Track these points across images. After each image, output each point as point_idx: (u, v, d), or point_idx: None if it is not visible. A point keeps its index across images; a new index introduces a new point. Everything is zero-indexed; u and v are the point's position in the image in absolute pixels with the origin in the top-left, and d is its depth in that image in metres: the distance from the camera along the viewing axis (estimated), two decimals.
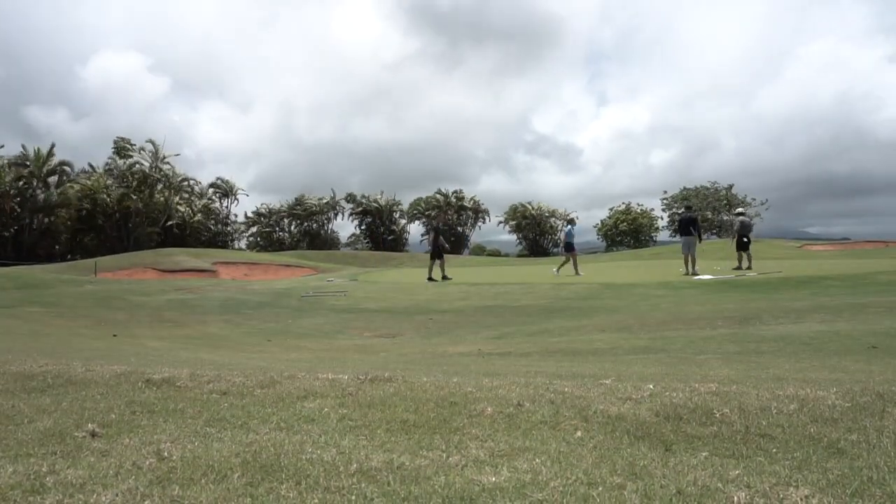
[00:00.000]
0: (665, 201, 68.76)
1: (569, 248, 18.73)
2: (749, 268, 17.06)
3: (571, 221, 23.77)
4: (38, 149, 56.79)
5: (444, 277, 18.55)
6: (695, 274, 16.02)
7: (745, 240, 17.61)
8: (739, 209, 19.16)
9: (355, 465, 2.12)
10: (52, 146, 57.38)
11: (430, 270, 19.08)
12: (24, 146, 57.13)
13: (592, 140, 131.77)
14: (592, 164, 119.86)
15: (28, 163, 55.52)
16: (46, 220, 56.29)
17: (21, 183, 54.12)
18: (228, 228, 72.29)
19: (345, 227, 79.27)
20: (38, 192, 55.76)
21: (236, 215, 73.79)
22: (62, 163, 57.77)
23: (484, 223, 75.93)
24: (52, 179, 57.27)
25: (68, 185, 56.98)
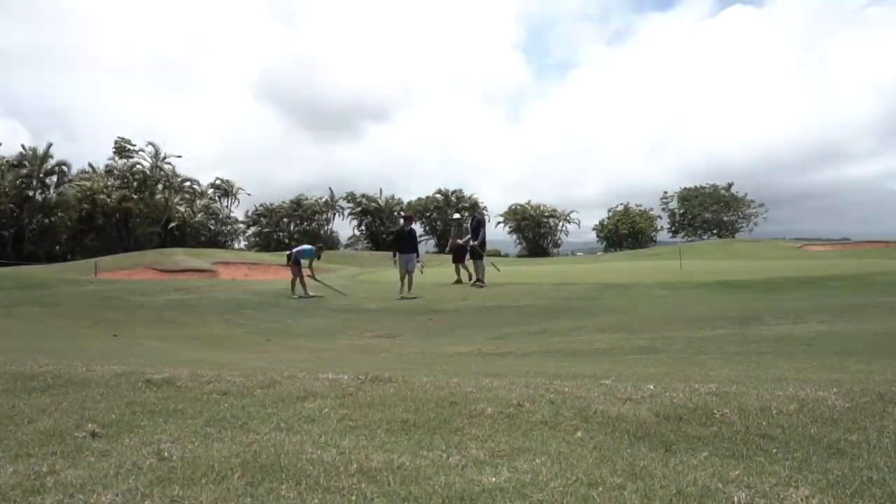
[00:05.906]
0: (665, 201, 68.90)
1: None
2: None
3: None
4: (35, 148, 56.85)
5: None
6: None
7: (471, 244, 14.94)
8: (456, 214, 15.34)
9: (355, 466, 2.12)
10: (49, 145, 57.43)
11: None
12: (23, 146, 57.21)
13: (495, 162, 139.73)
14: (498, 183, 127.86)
15: (26, 163, 55.50)
16: (46, 220, 56.29)
17: (19, 183, 54.13)
18: (228, 228, 72.23)
19: (345, 227, 79.17)
20: (37, 192, 55.80)
21: (236, 216, 73.82)
22: (60, 163, 57.75)
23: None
24: (51, 180, 57.35)
25: (67, 185, 56.99)
